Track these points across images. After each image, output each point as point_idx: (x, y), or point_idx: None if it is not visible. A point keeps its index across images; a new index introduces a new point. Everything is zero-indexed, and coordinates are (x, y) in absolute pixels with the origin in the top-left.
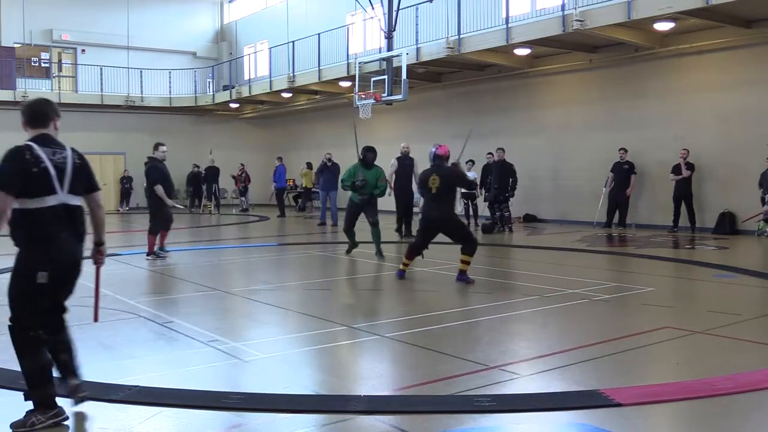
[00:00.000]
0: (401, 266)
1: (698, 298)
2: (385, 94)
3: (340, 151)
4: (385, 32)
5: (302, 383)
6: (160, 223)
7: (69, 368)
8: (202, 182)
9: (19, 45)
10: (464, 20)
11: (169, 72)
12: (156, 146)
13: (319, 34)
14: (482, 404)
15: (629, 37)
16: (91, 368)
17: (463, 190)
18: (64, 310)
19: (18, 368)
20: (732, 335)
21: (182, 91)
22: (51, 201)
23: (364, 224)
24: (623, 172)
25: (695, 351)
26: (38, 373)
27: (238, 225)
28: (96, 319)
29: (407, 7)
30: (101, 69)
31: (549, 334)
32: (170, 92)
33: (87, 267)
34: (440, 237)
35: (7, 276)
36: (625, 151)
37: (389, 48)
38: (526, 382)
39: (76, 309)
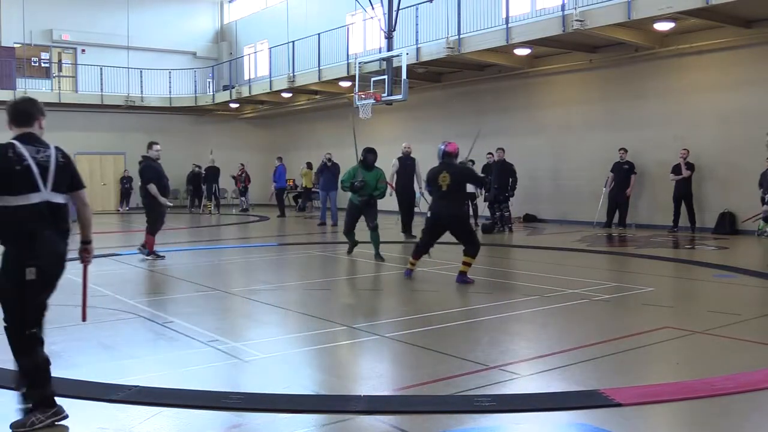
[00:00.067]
0: (409, 265)
1: (698, 298)
2: (385, 94)
3: (340, 151)
4: (385, 32)
5: (302, 383)
6: (157, 222)
7: None
8: (203, 182)
9: (19, 45)
10: (464, 20)
11: (169, 72)
12: (150, 145)
13: (319, 34)
14: (482, 404)
15: (629, 37)
16: (91, 368)
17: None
18: (45, 307)
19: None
20: (732, 335)
21: (182, 91)
22: (34, 198)
23: (363, 225)
24: (623, 172)
25: (695, 351)
26: (36, 372)
27: (238, 225)
28: (84, 319)
29: (407, 7)
30: (101, 69)
31: (549, 334)
32: (170, 92)
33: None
34: (442, 237)
35: None
36: (625, 151)
37: (389, 48)
38: (526, 382)
39: (77, 309)
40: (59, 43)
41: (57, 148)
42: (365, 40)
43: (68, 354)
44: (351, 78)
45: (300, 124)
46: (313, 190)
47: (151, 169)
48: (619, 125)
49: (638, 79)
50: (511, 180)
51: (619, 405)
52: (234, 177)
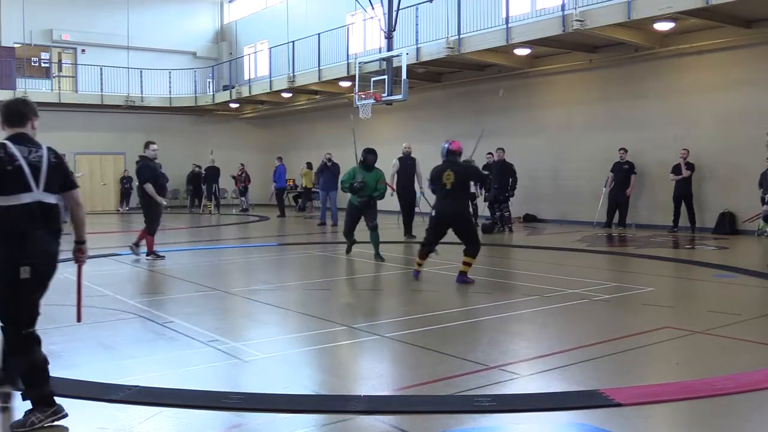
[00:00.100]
0: (416, 266)
1: (698, 298)
2: (385, 94)
3: (340, 151)
4: (385, 32)
5: (302, 383)
6: (154, 222)
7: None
8: (203, 182)
9: (19, 45)
10: (464, 20)
11: (169, 72)
12: (146, 145)
13: (319, 34)
14: (482, 404)
15: (629, 37)
16: (91, 368)
17: None
18: (38, 307)
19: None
20: (732, 335)
21: (182, 91)
22: (26, 198)
23: (363, 226)
24: (623, 172)
25: (695, 351)
26: (34, 371)
27: (238, 225)
28: (79, 319)
29: (407, 7)
30: (101, 69)
31: (549, 334)
32: (170, 92)
33: (86, 268)
34: (445, 237)
35: None
36: (625, 151)
37: (389, 48)
38: (526, 382)
39: (75, 309)
40: (59, 43)
41: (49, 149)
42: (365, 40)
43: (68, 354)
44: (351, 78)
45: (300, 124)
46: (313, 190)
47: (147, 169)
48: (619, 125)
49: (638, 79)
50: (511, 180)
51: (619, 405)
52: (234, 177)
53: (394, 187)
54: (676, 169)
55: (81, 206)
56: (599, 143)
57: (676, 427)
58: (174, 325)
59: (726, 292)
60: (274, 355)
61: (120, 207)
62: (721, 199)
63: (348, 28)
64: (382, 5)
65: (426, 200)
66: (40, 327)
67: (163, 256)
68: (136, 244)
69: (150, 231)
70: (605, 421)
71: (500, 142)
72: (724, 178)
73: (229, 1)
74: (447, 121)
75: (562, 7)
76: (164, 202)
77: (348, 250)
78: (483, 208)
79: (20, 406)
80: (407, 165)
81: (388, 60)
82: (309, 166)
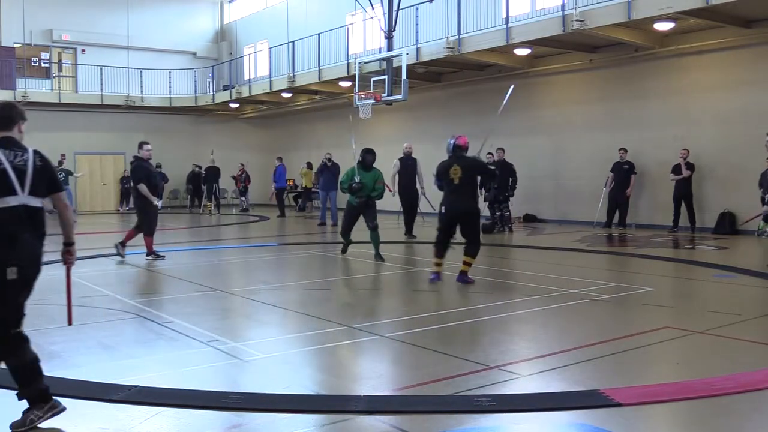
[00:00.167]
0: (435, 268)
1: (698, 298)
2: (385, 94)
3: (340, 151)
4: (385, 32)
5: (302, 383)
6: (152, 222)
7: None
8: (203, 182)
9: (19, 45)
10: (464, 20)
11: (169, 72)
12: (140, 145)
13: (319, 34)
14: (482, 404)
15: (629, 37)
16: (91, 368)
17: None
18: (24, 308)
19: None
20: (732, 335)
21: (182, 91)
22: (12, 202)
23: (363, 226)
24: (623, 172)
25: (695, 351)
26: (27, 369)
27: (238, 225)
28: (70, 323)
29: (407, 7)
30: (101, 69)
31: (549, 334)
32: (170, 92)
33: (86, 268)
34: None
35: None
36: (625, 151)
37: (389, 48)
38: (526, 382)
39: (77, 309)
40: (59, 43)
41: (35, 152)
42: (365, 40)
43: (68, 354)
44: (351, 78)
45: (300, 124)
46: (313, 190)
47: (141, 169)
48: (619, 125)
49: (638, 79)
50: (511, 180)
51: (619, 405)
52: (234, 177)
53: (393, 188)
54: (676, 169)
55: (69, 207)
56: (599, 143)
57: (676, 427)
58: (174, 325)
59: (726, 292)
60: (274, 355)
61: (120, 207)
62: (721, 199)
63: (348, 28)
64: (382, 5)
65: (427, 200)
66: (41, 327)
67: (163, 256)
68: (122, 244)
69: (147, 231)
70: (605, 421)
71: (500, 142)
72: (724, 178)
73: (229, 1)
74: (447, 121)
75: (562, 7)
76: (158, 203)
77: (344, 250)
78: (483, 208)
79: (18, 406)
80: (408, 165)
81: (388, 60)
82: (309, 166)
